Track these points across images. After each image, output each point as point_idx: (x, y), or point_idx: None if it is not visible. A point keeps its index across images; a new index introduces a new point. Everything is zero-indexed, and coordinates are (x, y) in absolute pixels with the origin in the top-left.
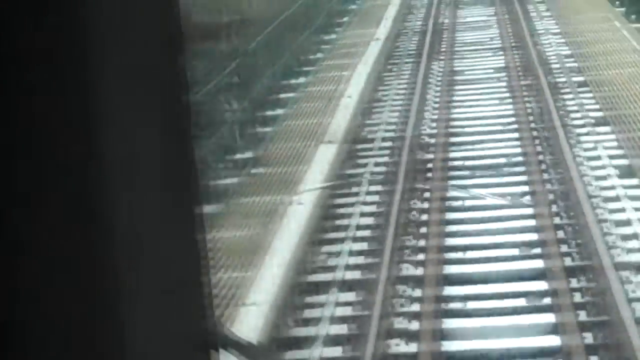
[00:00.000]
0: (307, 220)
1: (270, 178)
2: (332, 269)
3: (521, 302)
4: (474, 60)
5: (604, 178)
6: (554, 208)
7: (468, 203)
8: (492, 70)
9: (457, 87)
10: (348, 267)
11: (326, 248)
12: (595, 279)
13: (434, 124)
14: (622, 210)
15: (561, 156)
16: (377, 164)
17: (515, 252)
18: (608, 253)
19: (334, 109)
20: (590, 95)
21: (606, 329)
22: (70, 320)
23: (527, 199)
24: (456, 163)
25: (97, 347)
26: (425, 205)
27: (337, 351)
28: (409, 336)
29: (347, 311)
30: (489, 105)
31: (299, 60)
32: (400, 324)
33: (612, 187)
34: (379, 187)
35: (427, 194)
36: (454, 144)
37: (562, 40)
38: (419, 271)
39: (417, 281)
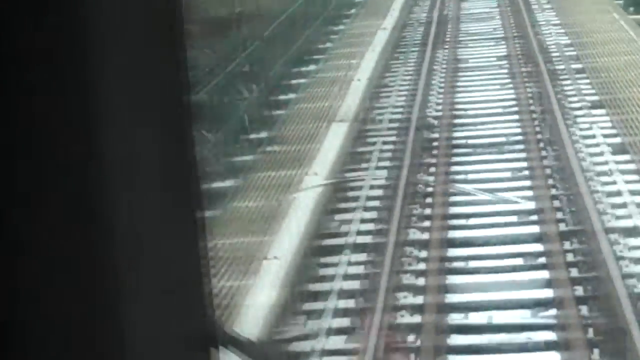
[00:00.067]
0: (321, 192)
1: (284, 155)
2: (344, 234)
3: (519, 261)
4: (477, 49)
5: (597, 155)
6: (551, 181)
7: (471, 176)
8: (494, 58)
9: (460, 74)
10: (360, 233)
11: (339, 216)
12: (586, 241)
13: (439, 107)
14: (614, 182)
15: (558, 135)
16: (385, 142)
17: (514, 218)
18: (599, 219)
19: (344, 92)
20: (587, 81)
21: (595, 283)
22: (70, 320)
23: (525, 172)
24: (459, 142)
25: (97, 347)
26: (431, 178)
27: (350, 303)
28: (416, 290)
29: (360, 269)
30: (491, 90)
31: (309, 49)
32: (407, 280)
33: (605, 163)
34: (387, 163)
35: (432, 169)
36: (457, 125)
37: (562, 31)
38: (425, 235)
39: (423, 244)
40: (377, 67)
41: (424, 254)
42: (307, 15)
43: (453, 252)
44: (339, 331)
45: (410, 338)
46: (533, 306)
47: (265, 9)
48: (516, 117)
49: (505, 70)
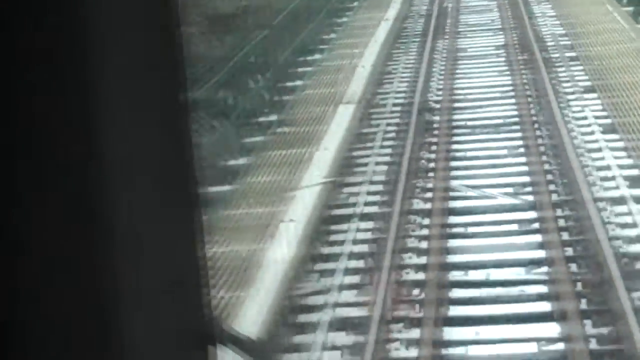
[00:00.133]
0: (330, 167)
1: (293, 136)
2: (353, 204)
3: (514, 227)
4: (476, 39)
5: (589, 134)
6: (544, 157)
7: (470, 154)
8: (492, 48)
9: (460, 62)
10: (367, 204)
11: (347, 189)
12: (576, 209)
13: (440, 92)
14: (603, 158)
15: (552, 117)
16: (389, 124)
17: (509, 190)
18: (589, 190)
19: (349, 78)
20: (581, 68)
21: (584, 245)
22: (70, 320)
23: (520, 151)
24: (459, 123)
25: (97, 347)
26: (432, 155)
27: (359, 264)
28: (420, 252)
29: (367, 235)
30: (489, 76)
31: (314, 39)
32: (412, 243)
33: (596, 141)
34: (391, 142)
35: (434, 147)
36: (457, 108)
37: (558, 22)
38: (428, 205)
39: (426, 213)
40: (380, 55)
41: (426, 221)
42: (311, 8)
43: (453, 219)
44: (351, 287)
45: (415, 292)
46: (527, 264)
47: (270, 2)
48: (513, 100)
49: (503, 59)
